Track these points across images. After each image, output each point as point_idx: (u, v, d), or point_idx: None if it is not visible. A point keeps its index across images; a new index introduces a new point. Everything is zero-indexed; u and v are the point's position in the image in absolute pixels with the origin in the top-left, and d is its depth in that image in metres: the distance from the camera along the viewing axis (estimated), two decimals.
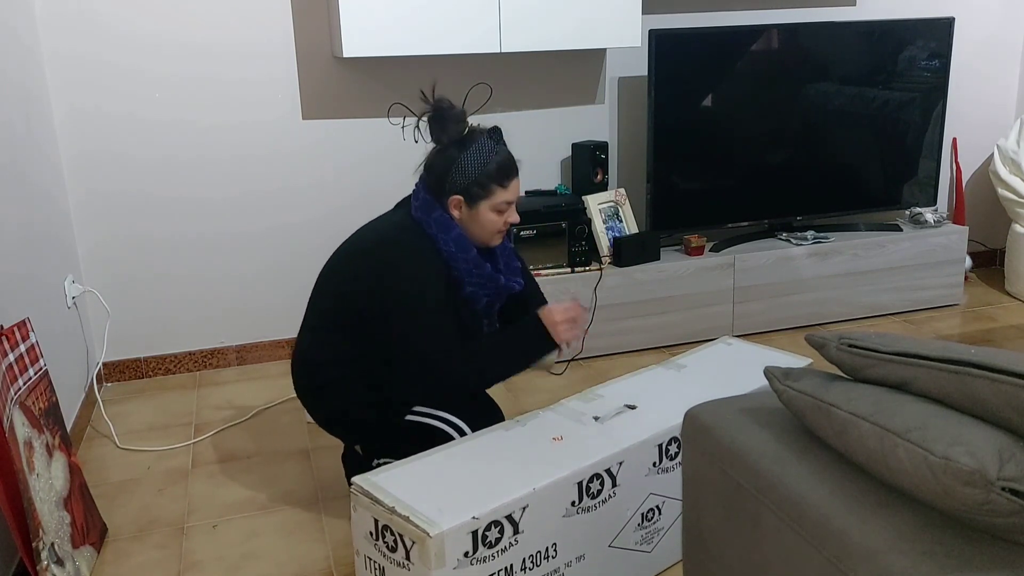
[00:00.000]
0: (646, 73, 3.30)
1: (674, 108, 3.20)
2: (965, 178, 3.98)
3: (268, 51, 3.01)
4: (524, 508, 1.65)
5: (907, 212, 3.66)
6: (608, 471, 1.78)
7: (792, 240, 3.43)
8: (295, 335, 3.26)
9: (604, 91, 3.43)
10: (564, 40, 2.99)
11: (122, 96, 2.91)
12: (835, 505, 1.13)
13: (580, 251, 3.14)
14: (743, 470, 1.31)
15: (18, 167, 2.42)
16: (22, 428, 1.79)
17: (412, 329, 1.94)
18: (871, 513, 1.10)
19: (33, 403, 1.91)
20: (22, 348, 1.92)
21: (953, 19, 3.43)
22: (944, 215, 3.64)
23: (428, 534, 1.53)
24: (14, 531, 1.72)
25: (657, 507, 1.90)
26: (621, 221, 3.27)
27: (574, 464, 1.74)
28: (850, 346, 1.25)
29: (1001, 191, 3.67)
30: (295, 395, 2.43)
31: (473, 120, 2.04)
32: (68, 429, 2.46)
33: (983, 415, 1.05)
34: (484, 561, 1.61)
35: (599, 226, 3.21)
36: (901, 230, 3.54)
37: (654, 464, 1.87)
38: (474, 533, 1.58)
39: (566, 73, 3.36)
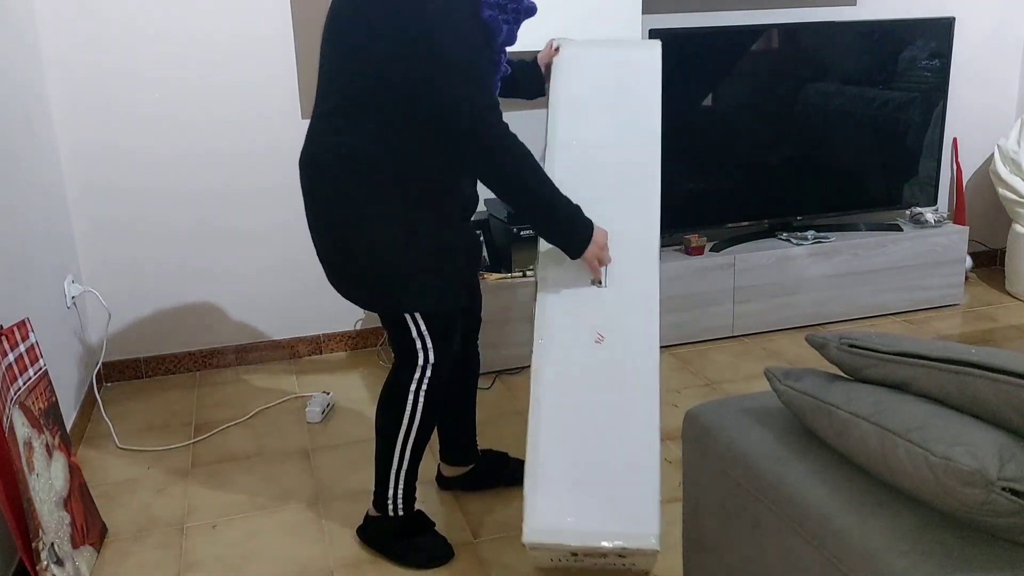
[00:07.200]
0: None
1: (674, 108, 3.20)
2: (965, 178, 3.98)
3: (267, 49, 3.01)
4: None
5: (907, 212, 3.66)
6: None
7: (792, 240, 3.43)
8: (295, 335, 3.27)
9: None
10: None
11: (121, 94, 2.91)
12: (835, 505, 1.13)
13: None
14: (743, 470, 1.31)
15: (17, 166, 2.42)
16: (22, 428, 1.79)
17: (449, 46, 1.67)
18: (871, 513, 1.10)
19: (33, 403, 1.91)
20: (22, 348, 1.92)
21: (953, 19, 3.43)
22: (944, 215, 3.64)
23: (657, 549, 1.58)
24: (14, 531, 1.72)
25: None
26: None
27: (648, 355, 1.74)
28: (850, 346, 1.25)
29: (1001, 191, 3.67)
30: (324, 274, 2.20)
31: None
32: (68, 429, 2.46)
33: (983, 415, 1.06)
34: None
35: None
36: (901, 230, 3.54)
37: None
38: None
39: None
